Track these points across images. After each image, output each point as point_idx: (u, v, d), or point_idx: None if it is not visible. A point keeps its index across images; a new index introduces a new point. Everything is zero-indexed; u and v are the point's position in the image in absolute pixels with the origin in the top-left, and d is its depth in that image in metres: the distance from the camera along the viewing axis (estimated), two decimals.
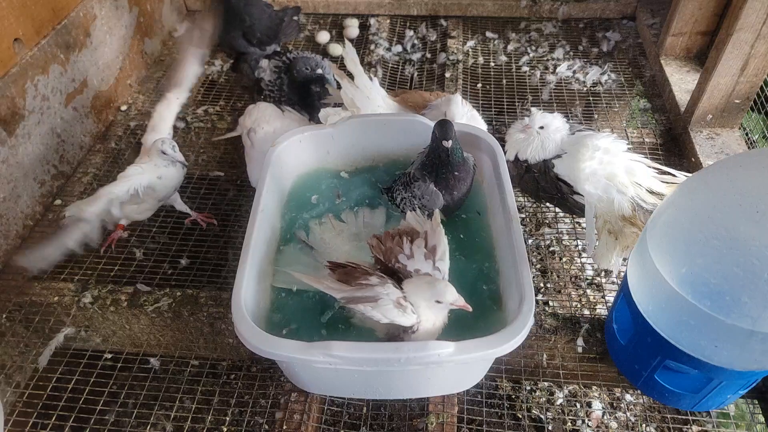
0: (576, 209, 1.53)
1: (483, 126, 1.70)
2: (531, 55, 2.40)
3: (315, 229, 1.45)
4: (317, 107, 1.92)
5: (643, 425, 1.32)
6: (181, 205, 1.71)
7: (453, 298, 1.12)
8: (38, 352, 1.44)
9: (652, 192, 1.43)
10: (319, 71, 1.94)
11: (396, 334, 1.18)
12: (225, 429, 1.33)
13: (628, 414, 1.34)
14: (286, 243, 1.45)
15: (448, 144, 1.36)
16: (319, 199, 1.56)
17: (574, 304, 1.52)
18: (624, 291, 1.26)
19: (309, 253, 1.41)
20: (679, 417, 1.32)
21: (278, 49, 2.17)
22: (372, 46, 2.46)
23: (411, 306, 1.13)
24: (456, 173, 1.41)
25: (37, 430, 1.32)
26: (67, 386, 1.40)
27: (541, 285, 1.56)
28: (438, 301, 1.12)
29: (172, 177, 1.61)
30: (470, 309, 1.14)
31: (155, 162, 1.57)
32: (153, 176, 1.56)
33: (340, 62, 2.41)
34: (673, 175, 1.45)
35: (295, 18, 2.25)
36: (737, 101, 1.84)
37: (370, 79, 1.71)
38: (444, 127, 1.36)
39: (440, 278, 1.18)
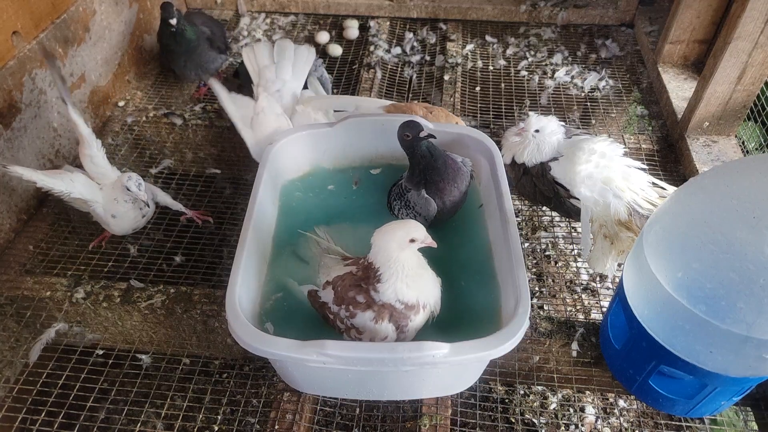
0: (572, 213, 1.53)
1: None
2: (530, 59, 2.40)
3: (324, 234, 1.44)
4: None
5: (636, 431, 1.32)
6: (174, 205, 1.69)
7: (423, 234, 1.14)
8: (29, 347, 1.43)
9: (646, 199, 1.43)
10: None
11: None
12: (216, 428, 1.32)
13: (621, 420, 1.34)
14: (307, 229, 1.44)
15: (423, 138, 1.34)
16: (336, 189, 1.59)
17: (569, 308, 1.52)
18: (619, 295, 1.26)
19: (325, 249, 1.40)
20: (672, 423, 1.31)
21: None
22: (371, 48, 2.46)
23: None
24: (445, 176, 1.38)
25: (26, 426, 1.31)
26: (57, 382, 1.38)
27: (537, 289, 1.56)
28: (412, 240, 1.13)
29: (129, 218, 1.51)
30: (435, 245, 1.16)
31: (115, 196, 1.47)
32: (107, 213, 1.48)
33: (338, 62, 2.42)
34: (664, 189, 1.45)
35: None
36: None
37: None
38: (409, 126, 1.35)
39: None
